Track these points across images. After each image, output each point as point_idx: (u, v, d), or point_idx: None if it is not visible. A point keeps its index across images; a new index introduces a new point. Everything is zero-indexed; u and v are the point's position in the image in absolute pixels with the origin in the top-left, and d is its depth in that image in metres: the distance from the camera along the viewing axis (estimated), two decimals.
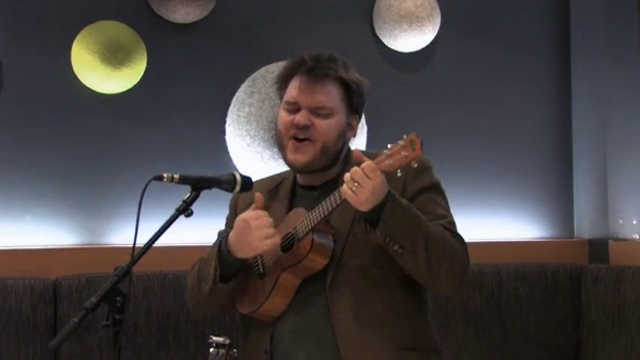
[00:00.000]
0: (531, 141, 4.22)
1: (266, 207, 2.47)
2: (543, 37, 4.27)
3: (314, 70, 2.41)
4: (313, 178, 2.46)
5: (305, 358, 2.35)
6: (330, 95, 2.40)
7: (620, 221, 4.01)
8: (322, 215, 2.29)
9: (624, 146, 4.04)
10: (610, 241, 4.01)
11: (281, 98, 2.48)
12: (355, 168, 2.18)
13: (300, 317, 2.38)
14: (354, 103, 2.45)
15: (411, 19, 4.01)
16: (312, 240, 2.31)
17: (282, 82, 2.47)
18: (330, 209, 2.27)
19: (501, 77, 4.21)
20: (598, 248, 4.06)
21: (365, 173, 2.16)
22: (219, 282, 2.43)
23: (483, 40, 4.20)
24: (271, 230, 2.33)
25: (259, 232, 2.33)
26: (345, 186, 2.19)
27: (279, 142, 2.47)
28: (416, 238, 2.24)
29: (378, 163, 2.17)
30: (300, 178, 2.50)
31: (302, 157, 2.40)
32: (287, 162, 2.46)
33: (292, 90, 2.43)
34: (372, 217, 2.23)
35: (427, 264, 2.26)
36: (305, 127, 2.38)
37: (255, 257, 2.46)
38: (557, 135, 4.25)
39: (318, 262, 2.34)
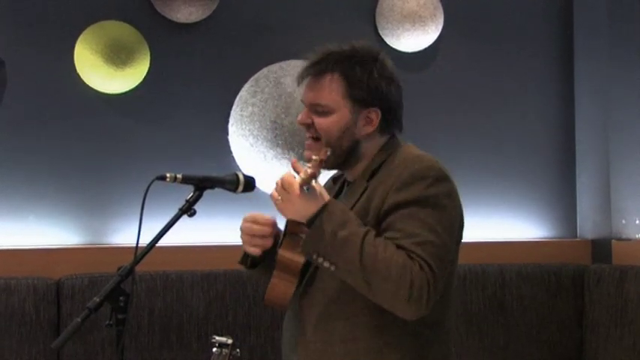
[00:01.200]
0: (534, 141, 4.22)
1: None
2: (546, 37, 4.27)
3: (314, 65, 2.35)
4: (348, 174, 2.42)
5: (284, 354, 2.38)
6: (326, 92, 2.32)
7: (623, 221, 4.01)
8: (287, 220, 2.28)
9: (627, 146, 4.04)
10: (613, 241, 4.01)
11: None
12: (277, 180, 2.17)
13: (287, 317, 2.39)
14: (360, 98, 2.33)
15: (414, 19, 4.02)
16: (282, 240, 2.30)
17: (299, 80, 2.41)
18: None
19: (504, 77, 4.21)
20: (601, 248, 4.06)
21: (282, 187, 2.15)
22: (246, 268, 2.43)
23: (486, 40, 4.20)
24: (254, 240, 2.33)
25: (244, 236, 2.34)
26: (272, 198, 2.19)
27: None
28: (349, 258, 2.12)
29: (301, 174, 2.15)
30: (346, 174, 2.47)
31: (310, 155, 2.39)
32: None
33: (302, 89, 2.41)
34: None
35: (367, 285, 2.13)
36: (306, 125, 2.37)
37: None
38: (560, 135, 4.25)
39: (291, 259, 2.26)
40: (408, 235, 2.15)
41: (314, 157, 2.15)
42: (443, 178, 2.25)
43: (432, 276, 2.12)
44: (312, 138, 2.34)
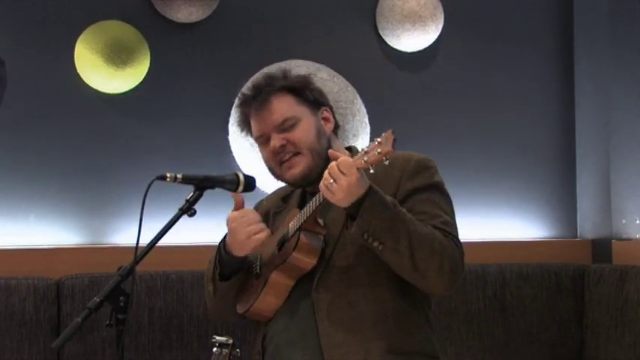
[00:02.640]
0: (534, 141, 4.22)
1: (278, 211, 2.53)
2: (546, 36, 4.27)
3: (256, 98, 2.45)
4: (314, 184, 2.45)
5: (290, 359, 2.35)
6: (284, 107, 2.42)
7: (624, 221, 4.01)
8: (308, 214, 2.30)
9: (627, 146, 4.03)
10: (613, 240, 4.01)
11: (256, 140, 2.51)
12: (332, 164, 2.17)
13: (289, 318, 2.38)
14: (311, 99, 2.45)
15: (414, 19, 4.01)
16: (298, 239, 2.31)
17: (245, 126, 2.52)
18: (314, 208, 2.28)
19: (504, 77, 4.21)
20: (601, 248, 4.06)
21: (340, 170, 2.15)
22: (218, 280, 2.44)
23: (486, 39, 4.20)
24: (256, 226, 2.35)
25: (245, 229, 2.35)
26: (321, 183, 2.18)
27: (275, 175, 2.49)
28: (398, 235, 2.20)
29: (354, 160, 2.15)
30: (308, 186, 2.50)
31: (297, 170, 2.41)
32: (289, 183, 2.50)
33: (253, 127, 2.49)
34: (353, 213, 2.21)
35: (412, 262, 2.21)
36: (283, 147, 2.40)
37: (255, 257, 2.47)
38: (560, 135, 4.25)
39: (305, 261, 2.32)
40: (432, 216, 2.32)
41: (379, 151, 2.12)
42: (437, 169, 2.44)
43: (462, 251, 2.31)
44: (292, 154, 2.38)
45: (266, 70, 2.53)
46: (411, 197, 2.34)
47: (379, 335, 2.30)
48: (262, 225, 2.36)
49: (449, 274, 2.25)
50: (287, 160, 2.41)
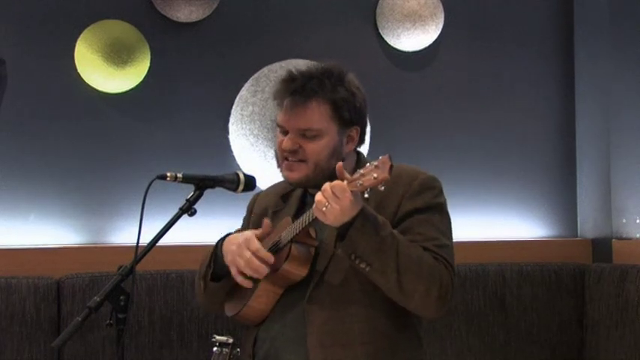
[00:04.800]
0: (535, 140, 4.22)
1: (277, 210, 2.50)
2: (547, 36, 4.27)
3: (299, 91, 2.38)
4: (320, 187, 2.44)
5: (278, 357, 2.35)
6: (316, 116, 2.37)
7: (624, 220, 4.01)
8: (299, 228, 2.29)
9: (628, 145, 4.03)
10: (613, 240, 4.01)
11: (276, 124, 2.48)
12: (325, 186, 2.16)
13: (279, 325, 2.37)
14: (346, 118, 2.40)
15: (415, 18, 4.01)
16: (290, 250, 2.31)
17: (278, 100, 2.46)
18: (306, 223, 2.27)
19: (504, 77, 4.21)
20: (601, 247, 4.06)
21: (333, 193, 2.14)
22: (209, 281, 2.45)
23: (486, 39, 4.20)
24: (260, 266, 2.32)
25: (240, 261, 2.33)
26: (315, 205, 2.18)
27: (276, 160, 2.49)
28: (385, 258, 2.19)
29: (350, 182, 2.14)
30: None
31: (295, 175, 2.40)
32: (284, 178, 2.48)
33: (281, 113, 2.43)
34: (343, 233, 2.21)
35: (398, 285, 2.21)
36: (293, 152, 2.38)
37: None
38: (560, 134, 4.24)
39: (295, 273, 2.32)
40: (428, 238, 2.30)
41: (375, 176, 2.10)
42: (442, 189, 2.43)
43: (453, 276, 2.29)
44: (298, 160, 2.37)
45: (325, 63, 2.43)
46: (410, 217, 2.33)
47: (367, 353, 2.29)
48: (265, 269, 2.33)
49: (436, 299, 2.25)
50: (290, 161, 2.40)
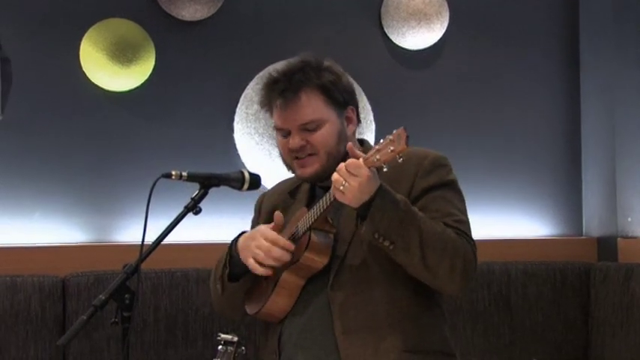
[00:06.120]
0: (540, 139, 4.22)
1: (286, 207, 2.48)
2: (552, 34, 4.26)
3: (287, 88, 2.37)
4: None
5: (305, 358, 2.33)
6: (312, 107, 2.36)
7: (629, 219, 4.01)
8: (318, 214, 2.28)
9: (633, 144, 4.03)
10: (619, 238, 4.00)
11: (275, 129, 2.47)
12: (341, 165, 2.15)
13: (303, 317, 2.36)
14: (340, 100, 2.40)
15: (420, 17, 4.01)
16: (309, 239, 2.30)
17: (267, 107, 2.44)
18: (324, 207, 2.26)
19: (509, 75, 4.21)
20: (607, 246, 4.05)
21: (348, 171, 2.14)
22: (227, 281, 2.43)
23: (491, 37, 4.20)
24: (268, 260, 2.32)
25: (261, 254, 2.33)
26: (333, 185, 2.17)
27: (286, 164, 2.47)
28: (408, 235, 2.18)
29: (366, 159, 2.13)
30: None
31: (309, 170, 2.39)
32: (298, 178, 2.48)
33: (276, 117, 2.42)
34: (364, 213, 2.20)
35: (423, 261, 2.20)
36: (301, 149, 2.38)
37: None
38: (565, 133, 4.24)
39: (317, 261, 2.31)
40: (446, 214, 2.30)
41: (392, 148, 2.09)
42: (452, 168, 2.42)
43: (475, 250, 2.29)
44: (308, 154, 2.36)
45: (301, 55, 2.43)
46: (425, 195, 2.33)
47: (395, 334, 2.28)
48: (287, 255, 2.32)
49: (461, 275, 2.24)
50: (302, 158, 2.39)
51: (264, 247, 2.31)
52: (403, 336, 2.29)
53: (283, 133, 2.41)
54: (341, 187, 2.14)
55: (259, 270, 2.33)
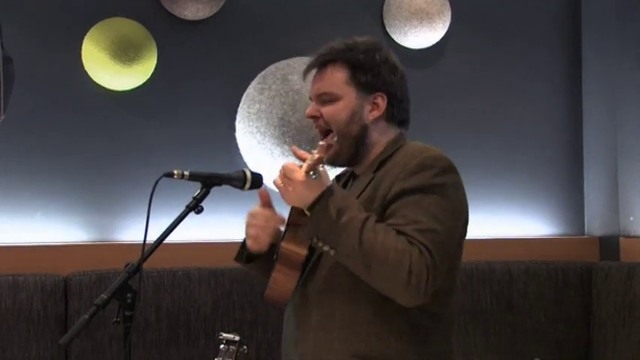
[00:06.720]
0: (542, 138, 4.22)
1: None
2: (554, 33, 4.26)
3: (315, 61, 2.39)
4: (358, 168, 2.42)
5: (283, 348, 2.39)
6: (331, 80, 2.35)
7: (631, 218, 4.01)
8: (290, 212, 2.31)
9: (635, 143, 4.03)
10: (621, 238, 4.00)
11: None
12: (281, 168, 2.19)
13: (289, 308, 2.40)
14: (364, 82, 2.35)
15: (422, 16, 4.01)
16: (284, 232, 2.32)
17: (305, 76, 2.45)
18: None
19: (511, 74, 4.21)
20: (609, 245, 4.05)
21: (285, 174, 2.16)
22: (243, 262, 2.46)
23: (493, 37, 4.20)
24: (252, 230, 2.37)
25: (253, 228, 2.38)
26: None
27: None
28: (348, 242, 2.13)
29: (306, 163, 2.15)
30: (355, 168, 2.46)
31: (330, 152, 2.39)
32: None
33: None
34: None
35: (366, 270, 2.14)
36: (314, 117, 2.38)
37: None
38: (567, 132, 4.24)
39: (294, 251, 2.30)
40: (410, 221, 2.16)
41: (320, 143, 2.14)
42: (450, 169, 2.26)
43: (432, 263, 2.12)
44: (322, 132, 2.35)
45: (365, 38, 2.43)
46: (399, 199, 2.22)
47: (346, 338, 2.25)
48: (260, 230, 2.36)
49: (405, 286, 2.11)
50: (318, 134, 2.38)
51: (256, 221, 2.38)
52: (354, 341, 2.24)
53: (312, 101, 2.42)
54: (281, 190, 2.18)
55: (249, 242, 2.38)
